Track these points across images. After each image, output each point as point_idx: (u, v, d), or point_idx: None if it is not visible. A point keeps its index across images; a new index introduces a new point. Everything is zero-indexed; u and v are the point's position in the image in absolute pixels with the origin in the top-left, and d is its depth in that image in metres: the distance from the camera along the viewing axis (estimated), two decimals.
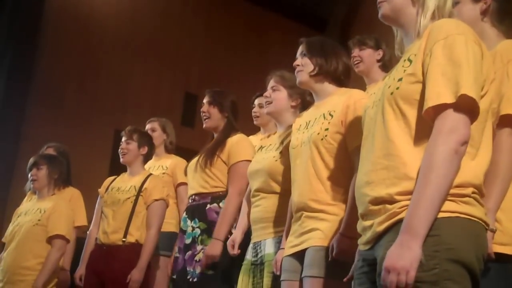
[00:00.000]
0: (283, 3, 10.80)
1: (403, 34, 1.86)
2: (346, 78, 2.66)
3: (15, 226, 4.00)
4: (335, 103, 2.51)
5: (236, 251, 3.11)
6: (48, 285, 3.85)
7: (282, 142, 2.95)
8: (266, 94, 3.05)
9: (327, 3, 10.79)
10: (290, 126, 2.93)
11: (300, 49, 2.64)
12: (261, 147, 3.16)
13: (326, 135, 2.44)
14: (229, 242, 3.16)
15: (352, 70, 2.79)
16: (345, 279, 1.99)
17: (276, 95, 3.01)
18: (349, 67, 2.69)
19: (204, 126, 3.74)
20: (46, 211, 3.91)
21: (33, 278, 3.76)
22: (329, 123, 2.46)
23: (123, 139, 3.96)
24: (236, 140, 3.52)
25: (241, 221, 3.21)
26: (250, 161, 3.21)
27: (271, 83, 3.05)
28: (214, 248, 3.31)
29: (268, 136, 3.31)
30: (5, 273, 3.86)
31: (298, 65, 2.61)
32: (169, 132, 4.62)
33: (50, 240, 3.87)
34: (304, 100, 3.04)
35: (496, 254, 1.91)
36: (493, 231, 1.90)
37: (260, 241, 2.91)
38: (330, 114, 2.49)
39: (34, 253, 3.86)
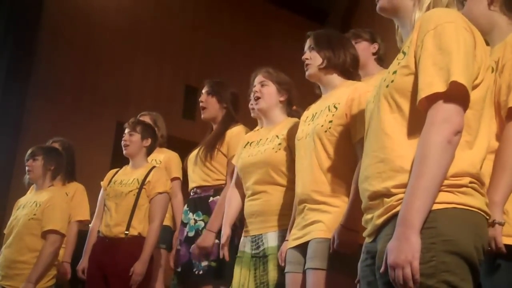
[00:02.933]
0: None
1: (400, 27, 1.86)
2: (354, 69, 2.67)
3: (13, 220, 3.98)
4: (340, 95, 2.51)
5: (227, 246, 3.07)
6: (45, 280, 3.82)
7: (277, 136, 2.95)
8: (255, 89, 3.09)
9: None
10: (279, 120, 3.01)
11: (308, 43, 2.64)
12: (248, 143, 3.13)
13: (329, 127, 2.44)
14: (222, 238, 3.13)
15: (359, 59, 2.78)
16: (356, 281, 1.98)
17: (266, 90, 3.06)
18: (357, 58, 2.69)
19: (202, 116, 3.73)
20: (41, 204, 3.88)
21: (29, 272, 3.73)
22: (333, 115, 2.46)
23: (126, 131, 3.93)
24: (236, 133, 3.51)
25: (227, 216, 3.15)
26: None
27: (259, 78, 3.10)
28: (205, 239, 3.32)
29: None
30: (3, 267, 3.84)
31: (307, 58, 2.62)
32: (160, 126, 4.57)
33: (44, 234, 3.84)
34: (290, 96, 3.09)
35: (505, 246, 1.88)
36: (502, 224, 1.88)
37: (261, 234, 2.90)
38: (334, 107, 2.48)
39: (30, 247, 3.83)
